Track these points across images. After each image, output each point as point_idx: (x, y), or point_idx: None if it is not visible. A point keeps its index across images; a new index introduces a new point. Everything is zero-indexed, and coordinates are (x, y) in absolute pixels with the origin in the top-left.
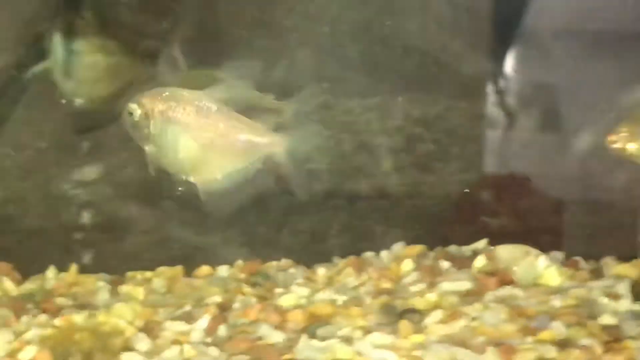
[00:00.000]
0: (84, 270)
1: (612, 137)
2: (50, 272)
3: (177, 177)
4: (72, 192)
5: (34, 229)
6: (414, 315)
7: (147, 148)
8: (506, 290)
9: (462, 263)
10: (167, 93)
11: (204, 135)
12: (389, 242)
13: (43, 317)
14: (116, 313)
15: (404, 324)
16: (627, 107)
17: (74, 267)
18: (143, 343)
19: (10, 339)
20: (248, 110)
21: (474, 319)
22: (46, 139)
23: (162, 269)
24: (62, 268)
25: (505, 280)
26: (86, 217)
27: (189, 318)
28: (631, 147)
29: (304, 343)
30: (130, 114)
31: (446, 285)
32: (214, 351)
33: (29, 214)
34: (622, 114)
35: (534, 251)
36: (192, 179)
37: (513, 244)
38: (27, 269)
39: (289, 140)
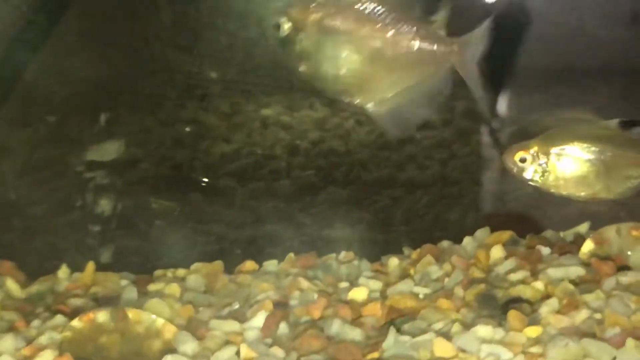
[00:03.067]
0: (101, 269)
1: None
2: (62, 271)
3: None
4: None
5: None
6: (522, 305)
7: (301, 69)
8: (629, 277)
9: (564, 248)
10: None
11: (368, 45)
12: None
13: (59, 319)
14: (150, 310)
15: (514, 315)
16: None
17: (91, 265)
18: (188, 345)
19: (19, 345)
20: None
21: (596, 308)
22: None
23: (197, 265)
24: (75, 267)
25: (621, 265)
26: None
27: (239, 316)
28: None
29: (393, 339)
30: (277, 28)
31: (553, 272)
32: (278, 351)
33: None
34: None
35: None
36: (357, 102)
37: (621, 224)
38: (33, 268)
39: (468, 45)
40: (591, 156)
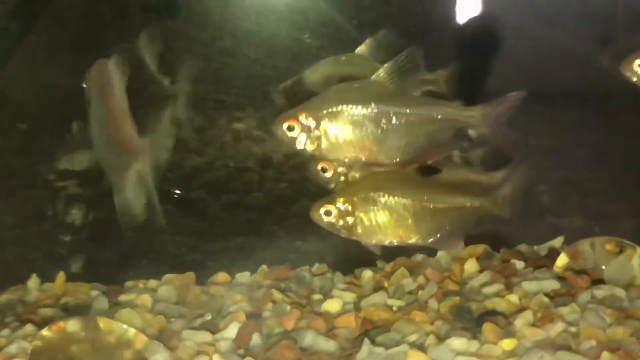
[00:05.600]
0: (72, 279)
1: None
2: (32, 281)
3: None
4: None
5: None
6: (497, 318)
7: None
8: (604, 291)
9: (538, 262)
10: None
11: None
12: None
13: (30, 328)
14: (121, 320)
15: (489, 328)
16: None
17: (61, 276)
18: (160, 355)
19: None
20: None
21: (572, 321)
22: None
23: (169, 276)
24: (45, 278)
25: (595, 279)
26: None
27: (212, 327)
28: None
29: (367, 350)
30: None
31: (528, 285)
32: None
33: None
34: None
35: (627, 245)
36: None
37: (595, 238)
38: (3, 278)
39: None
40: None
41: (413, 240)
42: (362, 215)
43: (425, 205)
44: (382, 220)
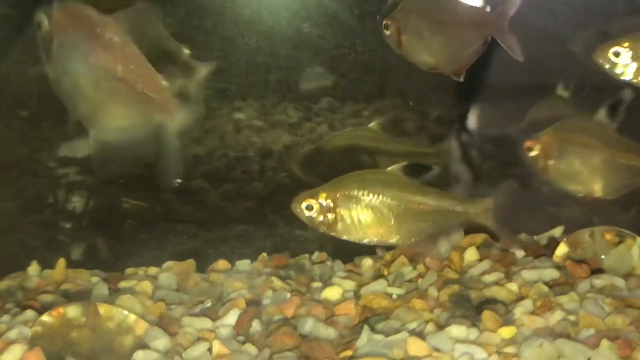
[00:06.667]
0: (72, 266)
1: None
2: (33, 268)
3: None
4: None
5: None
6: (497, 306)
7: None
8: (603, 280)
9: (538, 251)
10: None
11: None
12: None
13: (30, 313)
14: (122, 306)
15: (489, 316)
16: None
17: (62, 262)
18: (160, 341)
19: None
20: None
21: (571, 310)
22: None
23: (169, 263)
24: (46, 265)
25: (595, 268)
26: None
27: (212, 314)
28: None
29: (366, 338)
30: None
31: (527, 274)
32: (250, 349)
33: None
34: None
35: (627, 234)
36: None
37: (594, 227)
38: (3, 265)
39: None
40: (378, 205)
41: (393, 240)
42: (343, 212)
43: (408, 207)
44: (364, 218)
